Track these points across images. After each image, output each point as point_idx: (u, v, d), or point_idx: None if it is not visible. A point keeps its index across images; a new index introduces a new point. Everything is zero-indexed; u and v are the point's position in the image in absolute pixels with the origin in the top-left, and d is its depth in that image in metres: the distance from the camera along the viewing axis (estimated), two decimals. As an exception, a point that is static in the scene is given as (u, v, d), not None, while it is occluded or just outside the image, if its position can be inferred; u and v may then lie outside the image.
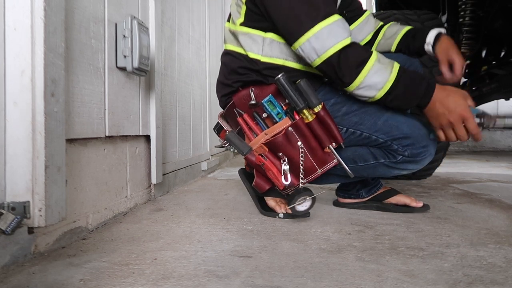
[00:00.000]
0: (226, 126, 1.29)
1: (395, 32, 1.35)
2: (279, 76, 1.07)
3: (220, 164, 2.77)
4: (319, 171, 1.16)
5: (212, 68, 2.65)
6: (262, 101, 1.11)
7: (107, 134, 1.17)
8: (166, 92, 1.71)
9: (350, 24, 1.37)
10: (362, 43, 1.41)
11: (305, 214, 1.24)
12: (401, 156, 1.13)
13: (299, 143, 1.12)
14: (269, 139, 1.12)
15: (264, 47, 1.13)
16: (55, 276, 0.76)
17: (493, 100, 3.21)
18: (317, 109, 1.09)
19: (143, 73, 1.36)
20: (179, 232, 1.08)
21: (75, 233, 1.02)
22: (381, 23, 1.42)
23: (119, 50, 1.23)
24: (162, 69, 1.65)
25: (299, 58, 1.14)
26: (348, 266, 0.82)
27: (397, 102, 1.05)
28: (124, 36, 1.24)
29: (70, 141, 0.99)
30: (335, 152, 1.13)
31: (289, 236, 1.03)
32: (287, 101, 1.11)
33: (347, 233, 1.07)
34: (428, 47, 1.27)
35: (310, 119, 1.10)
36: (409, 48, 1.32)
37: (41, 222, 0.84)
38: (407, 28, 1.34)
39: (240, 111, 1.18)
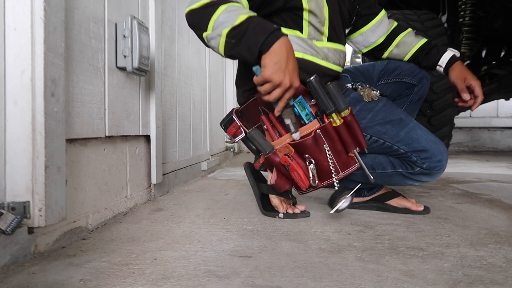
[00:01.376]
0: (239, 123, 1.28)
1: (410, 44, 1.37)
2: (312, 78, 1.07)
3: (220, 164, 2.77)
4: (341, 174, 1.17)
5: (212, 68, 2.65)
6: (294, 102, 1.11)
7: (107, 134, 1.17)
8: (166, 92, 1.71)
9: (363, 25, 1.38)
10: (374, 45, 1.41)
11: (306, 214, 1.24)
12: (419, 168, 1.16)
13: (326, 145, 1.13)
14: (295, 140, 1.12)
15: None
16: (55, 276, 0.76)
17: (493, 100, 3.21)
18: (345, 113, 1.10)
19: (143, 73, 1.36)
20: (179, 232, 1.08)
21: (75, 233, 1.02)
22: (395, 24, 1.42)
23: (119, 50, 1.23)
24: (162, 69, 1.65)
25: (317, 52, 1.16)
26: (348, 266, 0.82)
27: (239, 44, 0.96)
28: (124, 36, 1.24)
29: (70, 141, 0.99)
30: (358, 157, 1.14)
31: (289, 236, 1.03)
32: (312, 102, 1.11)
33: (347, 233, 1.07)
34: (439, 68, 1.32)
35: (338, 123, 1.11)
36: (420, 64, 1.35)
37: (41, 222, 0.84)
38: (422, 42, 1.36)
39: (266, 110, 1.17)
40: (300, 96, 1.11)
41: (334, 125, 1.11)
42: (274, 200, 1.27)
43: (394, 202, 1.32)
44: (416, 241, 0.99)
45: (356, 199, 1.37)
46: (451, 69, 1.29)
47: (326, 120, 1.11)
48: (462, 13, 2.41)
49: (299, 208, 1.26)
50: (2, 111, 0.83)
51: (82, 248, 0.94)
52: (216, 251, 0.91)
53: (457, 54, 1.31)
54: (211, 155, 2.58)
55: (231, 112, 1.28)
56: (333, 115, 1.10)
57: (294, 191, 1.29)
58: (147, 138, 1.50)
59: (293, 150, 1.14)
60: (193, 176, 2.11)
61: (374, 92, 1.21)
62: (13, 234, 0.80)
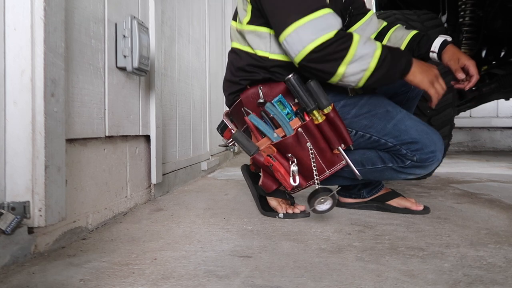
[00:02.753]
0: (231, 125, 1.29)
1: (401, 37, 1.34)
2: (290, 76, 1.07)
3: (220, 164, 2.77)
4: (327, 172, 1.16)
5: (212, 68, 2.65)
6: (272, 101, 1.11)
7: (107, 134, 1.17)
8: (166, 92, 1.71)
9: (353, 23, 1.37)
10: None
11: (305, 214, 1.24)
12: (409, 161, 1.14)
13: (308, 144, 1.12)
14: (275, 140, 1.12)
15: (272, 44, 1.13)
16: (55, 276, 0.76)
17: (493, 100, 3.21)
18: (327, 110, 1.09)
19: (143, 73, 1.36)
20: (179, 232, 1.08)
21: (75, 233, 1.02)
22: (385, 23, 1.41)
23: (119, 50, 1.23)
24: (162, 69, 1.65)
25: None
26: (348, 266, 0.82)
27: (385, 74, 1.04)
28: (124, 36, 1.24)
29: (70, 141, 0.99)
30: (344, 154, 1.13)
31: (289, 236, 1.03)
32: (296, 101, 1.10)
33: (347, 233, 1.07)
34: (433, 54, 1.27)
35: (320, 120, 1.09)
36: (413, 54, 1.31)
37: (41, 222, 0.84)
38: (413, 33, 1.33)
39: (248, 110, 1.17)
40: (280, 95, 1.11)
41: (316, 122, 1.10)
42: (272, 201, 1.27)
43: (394, 202, 1.31)
44: (416, 241, 0.99)
45: (356, 200, 1.37)
46: (444, 52, 1.24)
47: (307, 118, 1.10)
48: (462, 13, 2.41)
49: (299, 208, 1.25)
50: (2, 111, 0.83)
51: (82, 248, 0.94)
52: (216, 251, 0.91)
53: (449, 39, 1.26)
54: (211, 155, 2.58)
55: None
56: (315, 112, 1.09)
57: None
58: (147, 138, 1.50)
59: (275, 150, 1.13)
60: (193, 176, 2.11)
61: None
62: (13, 234, 0.80)
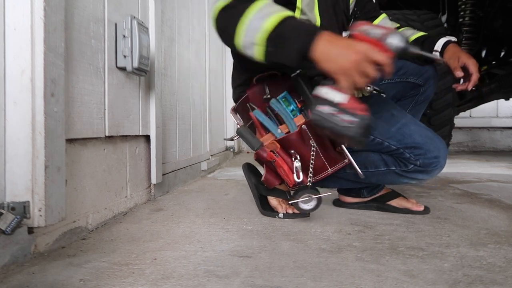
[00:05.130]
0: (237, 120, 1.29)
1: (409, 36, 1.34)
2: (296, 73, 1.07)
3: (220, 164, 2.77)
4: (330, 170, 1.15)
5: (212, 68, 2.65)
6: (278, 97, 1.11)
7: (107, 134, 1.17)
8: (166, 92, 1.71)
9: None
10: None
11: (305, 214, 1.24)
12: (412, 165, 1.14)
13: (312, 141, 1.12)
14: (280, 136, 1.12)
15: None
16: (55, 276, 0.76)
17: (493, 100, 3.21)
18: None
19: (143, 73, 1.36)
20: (179, 232, 1.08)
21: (75, 233, 1.02)
22: (397, 25, 1.41)
23: (119, 50, 1.23)
24: (162, 69, 1.65)
25: None
26: (348, 266, 0.82)
27: (276, 49, 0.89)
28: (124, 36, 1.24)
29: (70, 141, 0.99)
30: (346, 152, 1.12)
31: (289, 236, 1.03)
32: (301, 98, 1.10)
33: (347, 233, 1.07)
34: (436, 53, 1.26)
35: None
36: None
37: (41, 222, 0.84)
38: (419, 34, 1.33)
39: (253, 106, 1.17)
40: (286, 91, 1.11)
41: None
42: (272, 201, 1.27)
43: (395, 202, 1.31)
44: (416, 241, 0.99)
45: (356, 200, 1.37)
46: (445, 51, 1.23)
47: (311, 115, 1.10)
48: (462, 13, 2.41)
49: (299, 208, 1.25)
50: (2, 111, 0.83)
51: (82, 248, 0.94)
52: (216, 251, 0.91)
53: (453, 39, 1.26)
54: (211, 155, 2.58)
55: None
56: None
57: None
58: (147, 138, 1.50)
59: (279, 146, 1.14)
60: (193, 176, 2.11)
61: (368, 87, 1.19)
62: (13, 234, 0.80)
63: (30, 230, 0.86)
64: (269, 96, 1.13)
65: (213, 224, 1.16)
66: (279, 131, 1.12)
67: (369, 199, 1.36)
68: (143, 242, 0.98)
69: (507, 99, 3.17)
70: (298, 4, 1.11)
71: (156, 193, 1.58)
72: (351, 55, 0.83)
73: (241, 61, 1.18)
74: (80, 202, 1.04)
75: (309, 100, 1.07)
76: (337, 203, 1.42)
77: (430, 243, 0.97)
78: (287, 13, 0.91)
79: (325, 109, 0.89)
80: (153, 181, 1.51)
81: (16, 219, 0.80)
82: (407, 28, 1.38)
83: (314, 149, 1.12)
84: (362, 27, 0.93)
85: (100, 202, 1.15)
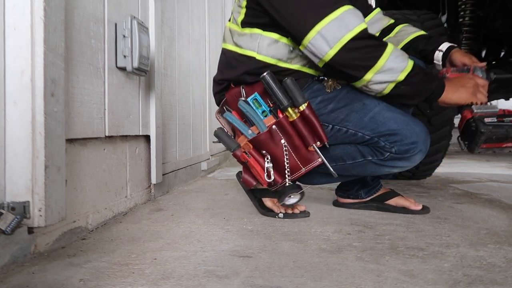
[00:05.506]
0: (222, 122, 1.30)
1: (409, 33, 1.35)
2: (265, 74, 1.09)
3: (220, 164, 2.77)
4: (303, 170, 1.16)
5: (212, 68, 2.65)
6: (247, 99, 1.13)
7: (107, 134, 1.17)
8: (166, 92, 1.71)
9: None
10: None
11: (305, 214, 1.24)
12: (388, 153, 1.12)
13: (283, 141, 1.13)
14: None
15: (261, 45, 1.13)
16: (55, 276, 0.76)
17: (493, 100, 3.21)
18: (302, 107, 1.10)
19: (143, 73, 1.36)
20: (179, 232, 1.08)
21: (75, 233, 1.02)
22: (392, 20, 1.41)
23: (119, 50, 1.23)
24: (162, 69, 1.65)
25: (292, 60, 1.15)
26: (348, 266, 0.82)
27: (409, 91, 1.07)
28: (124, 36, 1.24)
29: (70, 141, 0.99)
30: (318, 151, 1.13)
31: (289, 236, 1.03)
32: (272, 99, 1.12)
33: (347, 233, 1.07)
34: (439, 53, 1.27)
35: (295, 117, 1.10)
36: (417, 48, 1.31)
37: (41, 222, 0.84)
38: (422, 32, 1.34)
39: (228, 108, 1.21)
40: (255, 93, 1.13)
41: (290, 119, 1.11)
42: (267, 202, 1.28)
43: (393, 201, 1.31)
44: (416, 241, 0.99)
45: (354, 200, 1.37)
46: (454, 52, 1.25)
47: (280, 115, 1.11)
48: (462, 13, 2.41)
49: (298, 208, 1.25)
50: (2, 111, 0.83)
51: (82, 248, 0.94)
52: (216, 251, 0.91)
53: (455, 45, 1.29)
54: (211, 155, 2.58)
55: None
56: (289, 109, 1.10)
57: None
58: (147, 138, 1.50)
59: (251, 146, 1.15)
60: (193, 176, 2.11)
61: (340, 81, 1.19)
62: (13, 234, 0.80)
63: (30, 230, 0.86)
64: (245, 99, 1.15)
65: (213, 224, 1.16)
66: (249, 132, 1.14)
67: (368, 199, 1.36)
68: (143, 242, 0.98)
69: (507, 99, 3.17)
70: None
71: (156, 193, 1.58)
72: (469, 89, 1.11)
73: (226, 69, 1.23)
74: (80, 202, 1.04)
75: (278, 100, 1.09)
76: (337, 203, 1.42)
77: (430, 243, 0.97)
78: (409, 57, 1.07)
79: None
80: (153, 181, 1.51)
81: (16, 219, 0.80)
82: (407, 25, 1.38)
83: (286, 148, 1.13)
84: (450, 69, 1.22)
85: (100, 202, 1.15)
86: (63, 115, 0.91)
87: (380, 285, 0.72)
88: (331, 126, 1.16)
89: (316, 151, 1.13)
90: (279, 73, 1.13)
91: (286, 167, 1.14)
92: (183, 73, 2.00)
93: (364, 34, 1.02)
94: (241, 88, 1.18)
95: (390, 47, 1.04)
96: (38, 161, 0.83)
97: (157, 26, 1.52)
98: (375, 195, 1.35)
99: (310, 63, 1.16)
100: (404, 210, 1.29)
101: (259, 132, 1.13)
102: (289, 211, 1.24)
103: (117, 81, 1.24)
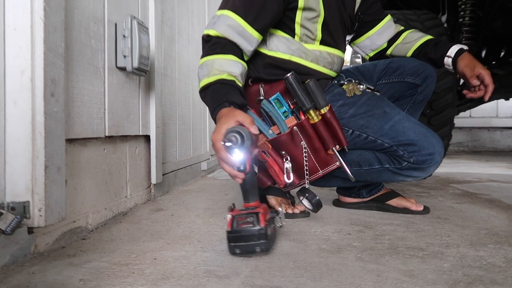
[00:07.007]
0: None
1: (416, 39, 1.34)
2: (289, 75, 1.08)
3: (220, 164, 2.77)
4: (320, 172, 1.16)
5: (212, 68, 2.64)
6: (270, 99, 1.12)
7: (107, 134, 1.17)
8: (166, 92, 1.71)
9: (368, 29, 1.37)
10: (381, 48, 1.39)
11: (305, 214, 1.24)
12: (406, 162, 1.13)
13: (303, 143, 1.12)
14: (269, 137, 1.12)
15: (270, 42, 1.15)
16: (55, 276, 0.76)
17: (493, 100, 3.21)
18: (324, 110, 1.10)
19: (143, 73, 1.36)
20: (179, 232, 1.08)
21: (75, 233, 1.02)
22: (402, 27, 1.40)
23: (119, 50, 1.23)
24: (162, 69, 1.65)
25: (306, 55, 1.16)
26: (348, 266, 0.82)
27: (207, 100, 1.04)
28: (124, 36, 1.24)
29: (70, 141, 0.99)
30: (338, 155, 1.13)
31: (289, 236, 1.03)
32: (294, 100, 1.11)
33: (347, 233, 1.07)
34: (448, 59, 1.26)
35: (316, 120, 1.10)
36: (427, 55, 1.30)
37: (41, 222, 0.84)
38: (430, 37, 1.33)
39: (248, 107, 1.17)
40: (278, 93, 1.13)
41: (311, 122, 1.11)
42: (271, 200, 1.27)
43: (394, 202, 1.31)
44: (416, 241, 0.99)
45: (355, 199, 1.37)
46: (460, 59, 1.24)
47: (302, 117, 1.11)
48: (462, 13, 2.41)
49: (298, 208, 1.25)
50: (2, 111, 0.83)
51: (82, 248, 0.94)
52: (216, 251, 0.91)
53: (465, 47, 1.27)
54: (211, 155, 2.58)
55: None
56: (311, 112, 1.09)
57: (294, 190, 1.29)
58: (147, 138, 1.50)
59: (270, 146, 1.15)
60: (193, 176, 2.11)
61: (361, 86, 1.19)
62: (13, 234, 0.80)
63: (30, 230, 0.86)
64: (262, 97, 1.15)
65: (213, 224, 1.16)
66: (270, 132, 1.13)
67: (368, 199, 1.36)
68: (143, 242, 0.98)
69: (507, 99, 3.17)
70: (300, 4, 1.11)
71: (156, 193, 1.58)
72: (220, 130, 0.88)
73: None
74: (80, 202, 1.04)
75: (301, 102, 1.08)
76: (337, 203, 1.42)
77: (430, 243, 0.97)
78: (222, 76, 1.00)
79: None
80: (153, 181, 1.51)
81: (16, 219, 0.80)
82: (414, 31, 1.38)
83: (306, 150, 1.13)
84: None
85: (100, 202, 1.15)
86: (63, 115, 0.91)
87: (380, 285, 0.72)
88: (351, 131, 1.17)
89: (336, 154, 1.13)
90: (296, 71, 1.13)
91: (305, 169, 1.14)
92: (183, 73, 2.00)
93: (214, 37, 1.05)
94: (260, 86, 1.17)
95: (226, 56, 1.03)
96: (38, 161, 0.83)
97: (157, 26, 1.52)
98: (376, 195, 1.35)
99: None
100: (405, 210, 1.29)
101: (279, 133, 1.12)
102: (289, 211, 1.24)
103: (117, 81, 1.24)
